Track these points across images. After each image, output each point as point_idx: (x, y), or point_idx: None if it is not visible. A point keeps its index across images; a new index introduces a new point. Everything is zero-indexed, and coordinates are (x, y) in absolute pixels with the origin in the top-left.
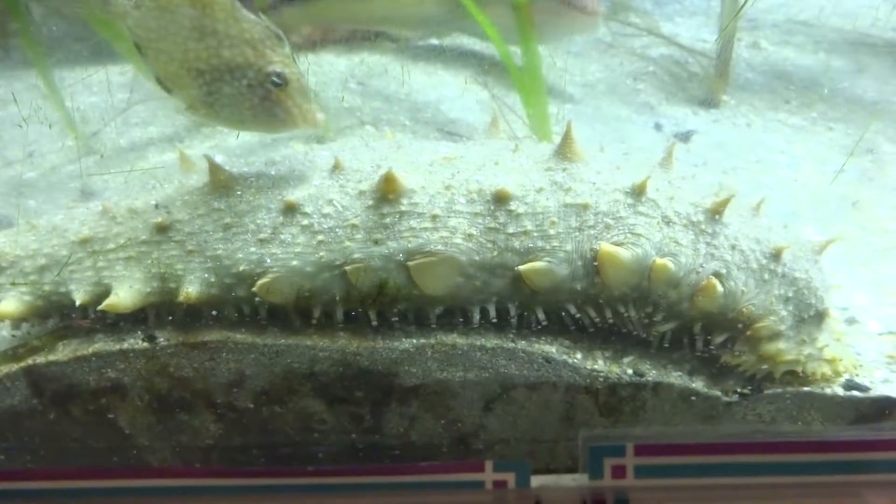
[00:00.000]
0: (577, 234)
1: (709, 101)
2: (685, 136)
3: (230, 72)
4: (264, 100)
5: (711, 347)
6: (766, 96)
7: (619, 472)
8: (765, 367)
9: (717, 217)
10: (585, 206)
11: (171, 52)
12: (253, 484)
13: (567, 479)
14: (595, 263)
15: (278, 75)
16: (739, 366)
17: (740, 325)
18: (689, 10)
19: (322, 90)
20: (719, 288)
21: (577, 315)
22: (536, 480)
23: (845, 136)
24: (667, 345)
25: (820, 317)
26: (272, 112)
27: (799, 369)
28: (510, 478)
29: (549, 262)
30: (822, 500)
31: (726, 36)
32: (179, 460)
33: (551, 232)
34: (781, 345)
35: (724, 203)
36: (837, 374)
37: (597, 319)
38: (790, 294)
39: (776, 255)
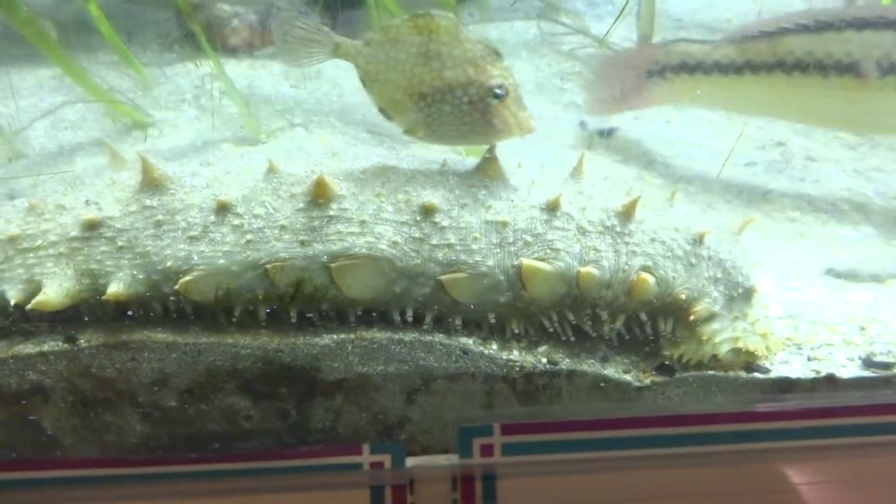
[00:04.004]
0: (498, 250)
1: None
2: (608, 133)
3: (451, 91)
4: (484, 113)
5: (662, 333)
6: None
7: (487, 450)
8: (707, 349)
9: (629, 217)
10: (504, 224)
11: (396, 81)
12: (133, 473)
13: (440, 459)
14: (520, 278)
15: (500, 87)
16: (682, 356)
17: (680, 310)
18: (620, 11)
19: (255, 93)
20: (650, 279)
21: (494, 322)
22: (411, 461)
23: (758, 130)
24: (627, 337)
25: (748, 293)
26: (490, 123)
27: (740, 345)
28: (386, 459)
29: (470, 274)
30: (708, 470)
31: (644, 36)
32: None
33: (474, 247)
34: (717, 325)
35: (633, 204)
36: (770, 350)
37: (517, 331)
38: (719, 275)
39: (699, 240)
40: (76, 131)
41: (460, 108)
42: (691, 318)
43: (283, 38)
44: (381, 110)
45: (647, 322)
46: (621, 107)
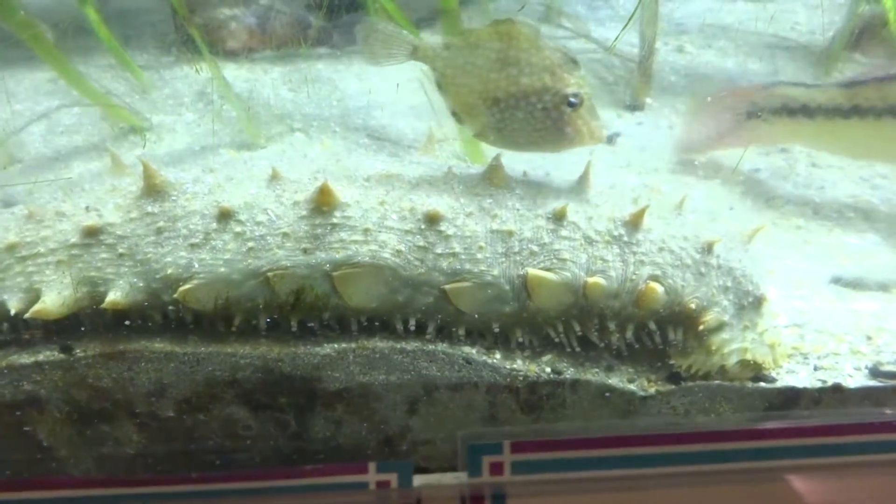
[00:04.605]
0: (504, 259)
1: (633, 105)
2: (610, 139)
3: (526, 97)
4: (557, 121)
5: (672, 342)
6: (688, 99)
7: (496, 468)
8: (715, 360)
9: (636, 227)
10: (510, 233)
11: (472, 85)
12: (132, 493)
13: (448, 478)
14: (526, 288)
15: (575, 96)
16: (691, 366)
17: (690, 319)
18: (620, 15)
19: (254, 97)
20: (659, 288)
21: (498, 332)
22: (418, 480)
23: None
24: (637, 346)
25: (758, 302)
26: (562, 131)
27: (748, 357)
28: (393, 478)
29: (475, 283)
30: (720, 487)
31: (647, 41)
32: (103, 471)
33: (479, 256)
34: (726, 335)
35: (641, 214)
36: (776, 362)
37: (521, 340)
38: (729, 284)
39: (708, 249)
40: (72, 136)
41: (533, 115)
42: (700, 327)
43: (365, 40)
44: (453, 114)
45: (657, 332)
46: (716, 147)
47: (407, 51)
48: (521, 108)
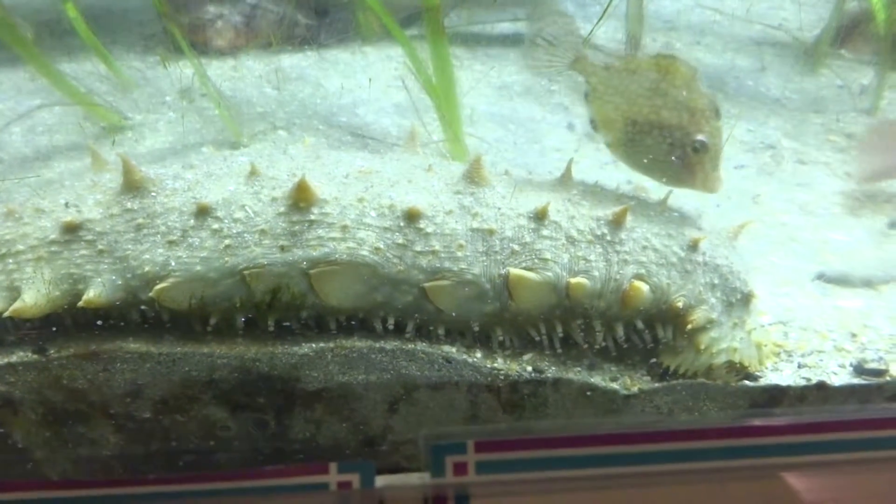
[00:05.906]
0: (485, 258)
1: None
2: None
3: (660, 128)
4: (679, 159)
5: (663, 340)
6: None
7: (460, 469)
8: (703, 360)
9: (619, 225)
10: (491, 232)
11: (618, 104)
12: (87, 495)
13: (412, 478)
14: (507, 288)
15: (702, 143)
16: (679, 366)
17: (677, 318)
18: (610, 13)
19: (237, 95)
20: (644, 287)
21: (478, 331)
22: (381, 480)
23: (746, 133)
24: (626, 346)
25: (746, 299)
26: (680, 170)
27: (736, 357)
28: (355, 478)
29: (455, 282)
30: (694, 487)
31: (633, 37)
32: (81, 473)
33: (459, 254)
34: (714, 333)
35: (623, 212)
36: (762, 363)
37: (501, 339)
38: (716, 281)
39: (694, 246)
40: (53, 135)
41: (660, 146)
42: (688, 326)
43: (531, 39)
44: (592, 121)
45: (644, 331)
46: None
47: (567, 61)
48: (653, 136)
